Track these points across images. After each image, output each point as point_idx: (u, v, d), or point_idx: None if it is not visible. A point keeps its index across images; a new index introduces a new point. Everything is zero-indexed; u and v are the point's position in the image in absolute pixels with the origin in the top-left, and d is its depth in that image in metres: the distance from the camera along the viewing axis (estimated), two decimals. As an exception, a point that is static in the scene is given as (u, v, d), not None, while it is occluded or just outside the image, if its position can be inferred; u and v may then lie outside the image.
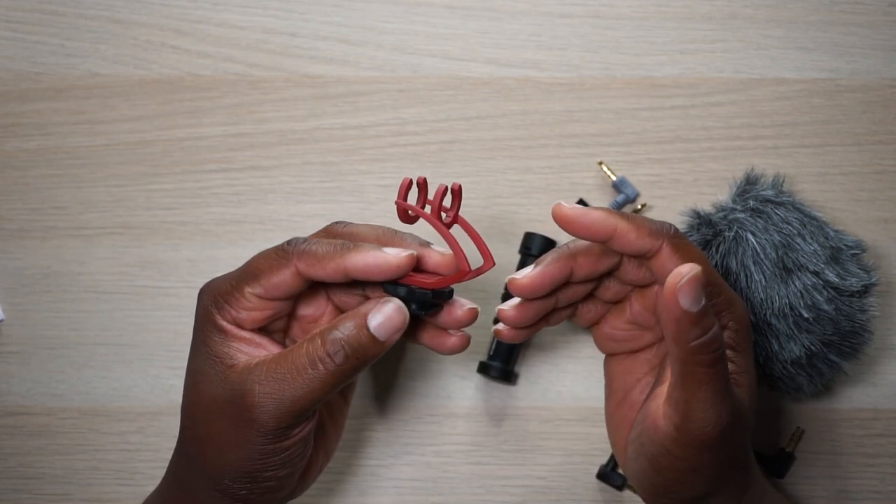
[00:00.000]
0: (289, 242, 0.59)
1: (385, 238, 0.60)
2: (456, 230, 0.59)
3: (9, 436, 0.74)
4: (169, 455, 0.64)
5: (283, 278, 0.58)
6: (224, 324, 0.59)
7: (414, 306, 0.59)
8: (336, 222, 0.62)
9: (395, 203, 0.60)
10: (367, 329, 0.57)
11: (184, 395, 0.61)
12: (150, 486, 0.66)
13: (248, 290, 0.59)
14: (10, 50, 0.77)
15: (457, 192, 0.58)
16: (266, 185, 0.76)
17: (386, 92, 0.77)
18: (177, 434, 0.61)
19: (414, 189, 0.60)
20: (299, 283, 0.59)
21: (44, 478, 0.74)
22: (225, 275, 0.61)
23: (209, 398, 0.58)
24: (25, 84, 0.77)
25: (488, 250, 0.58)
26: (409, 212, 0.60)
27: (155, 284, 0.75)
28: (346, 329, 0.57)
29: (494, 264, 0.58)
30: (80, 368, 0.74)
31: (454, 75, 0.77)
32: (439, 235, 0.59)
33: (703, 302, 0.53)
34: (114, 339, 0.75)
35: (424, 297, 0.59)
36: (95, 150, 0.76)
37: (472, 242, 0.59)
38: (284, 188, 0.76)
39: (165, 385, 0.74)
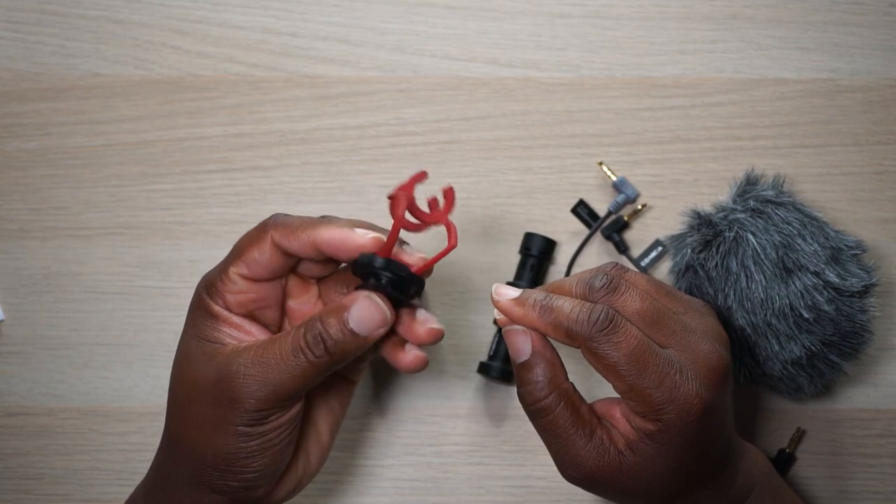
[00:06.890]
0: (270, 217, 0.61)
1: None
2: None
3: (9, 436, 0.74)
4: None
5: (262, 252, 0.60)
6: (216, 308, 0.61)
7: (389, 287, 0.58)
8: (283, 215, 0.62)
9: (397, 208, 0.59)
10: (347, 324, 0.58)
11: (170, 382, 0.62)
12: (150, 486, 0.66)
13: (232, 270, 0.60)
14: (10, 50, 0.77)
15: (448, 194, 0.60)
16: (266, 185, 0.76)
17: (386, 92, 0.77)
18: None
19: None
20: (278, 259, 0.60)
21: (44, 478, 0.74)
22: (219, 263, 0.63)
23: (193, 380, 0.60)
24: (25, 84, 0.77)
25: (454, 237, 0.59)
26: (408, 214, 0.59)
27: (155, 284, 0.75)
28: (326, 322, 0.58)
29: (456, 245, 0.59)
30: (80, 368, 0.74)
31: (454, 75, 0.77)
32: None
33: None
34: (114, 339, 0.75)
35: (399, 270, 0.58)
36: (96, 150, 0.76)
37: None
38: (285, 188, 0.76)
39: (165, 385, 0.74)
